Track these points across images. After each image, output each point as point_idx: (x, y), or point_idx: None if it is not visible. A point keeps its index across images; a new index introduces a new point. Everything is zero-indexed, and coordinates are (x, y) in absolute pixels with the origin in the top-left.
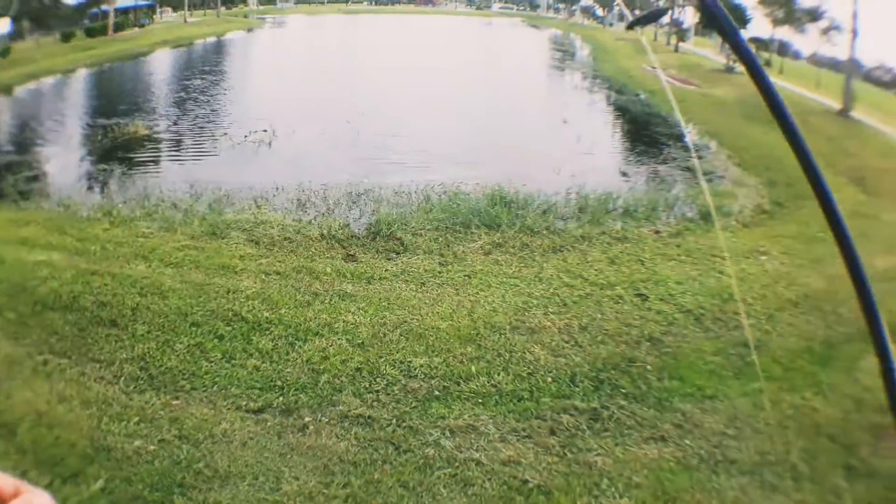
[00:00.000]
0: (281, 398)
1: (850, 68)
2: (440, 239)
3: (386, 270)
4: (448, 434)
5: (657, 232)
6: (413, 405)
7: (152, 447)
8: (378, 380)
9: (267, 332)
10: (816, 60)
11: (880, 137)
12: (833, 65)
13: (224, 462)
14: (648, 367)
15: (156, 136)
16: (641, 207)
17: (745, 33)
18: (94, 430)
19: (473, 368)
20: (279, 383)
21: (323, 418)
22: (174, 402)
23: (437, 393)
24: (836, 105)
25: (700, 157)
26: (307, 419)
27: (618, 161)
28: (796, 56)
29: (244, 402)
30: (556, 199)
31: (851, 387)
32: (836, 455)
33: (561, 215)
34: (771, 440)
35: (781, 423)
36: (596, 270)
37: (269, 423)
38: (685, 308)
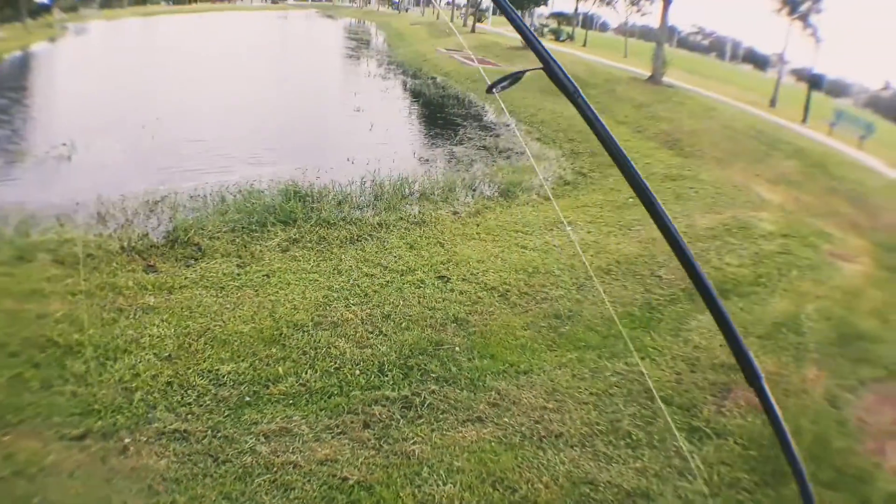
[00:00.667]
0: (100, 422)
1: (660, 35)
2: (237, 240)
3: (186, 278)
4: (263, 439)
5: (455, 213)
6: (226, 414)
7: None
8: (189, 392)
9: (79, 355)
10: (626, 30)
11: (694, 100)
12: (645, 34)
13: (57, 494)
14: (457, 348)
15: None
16: (438, 190)
17: (549, 8)
18: None
19: (280, 370)
20: (97, 406)
21: (141, 437)
22: (4, 438)
23: (247, 399)
24: (647, 72)
25: (497, 136)
26: (126, 440)
27: (413, 146)
28: (604, 27)
29: (67, 430)
30: (350, 188)
31: (681, 348)
32: (674, 418)
33: (357, 205)
34: (597, 410)
35: (606, 391)
36: (395, 257)
37: (92, 449)
38: (489, 286)
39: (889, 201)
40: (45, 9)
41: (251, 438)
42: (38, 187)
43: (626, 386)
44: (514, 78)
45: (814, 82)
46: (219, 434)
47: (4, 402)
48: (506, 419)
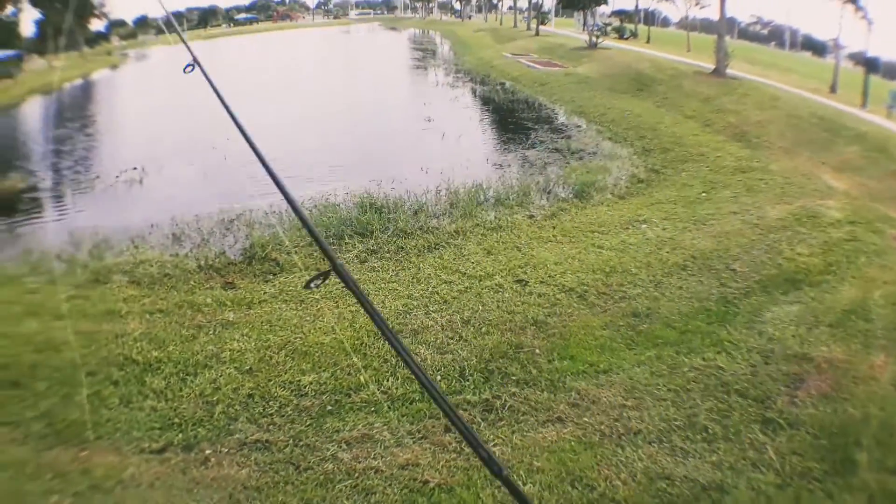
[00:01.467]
0: (180, 435)
1: (721, 28)
2: (315, 254)
3: (265, 293)
4: (345, 446)
5: (531, 216)
6: (308, 423)
7: (68, 500)
8: (270, 403)
9: (158, 372)
10: (687, 24)
11: (758, 90)
12: (706, 27)
13: None
14: (537, 350)
15: (32, 187)
16: (513, 195)
17: (611, 7)
18: (12, 493)
19: (362, 378)
20: (177, 420)
21: (222, 449)
22: (82, 454)
23: (329, 408)
24: (710, 65)
25: (569, 137)
26: (208, 452)
27: (486, 151)
28: (665, 23)
29: (146, 444)
30: (426, 198)
31: (756, 340)
32: (749, 411)
33: (433, 213)
34: (675, 406)
35: (684, 386)
36: (473, 263)
37: (172, 462)
38: (567, 287)
39: None
40: (103, 37)
41: (333, 446)
42: (110, 212)
43: (703, 381)
44: (325, 275)
45: (870, 65)
46: (300, 443)
47: (82, 419)
48: (585, 418)
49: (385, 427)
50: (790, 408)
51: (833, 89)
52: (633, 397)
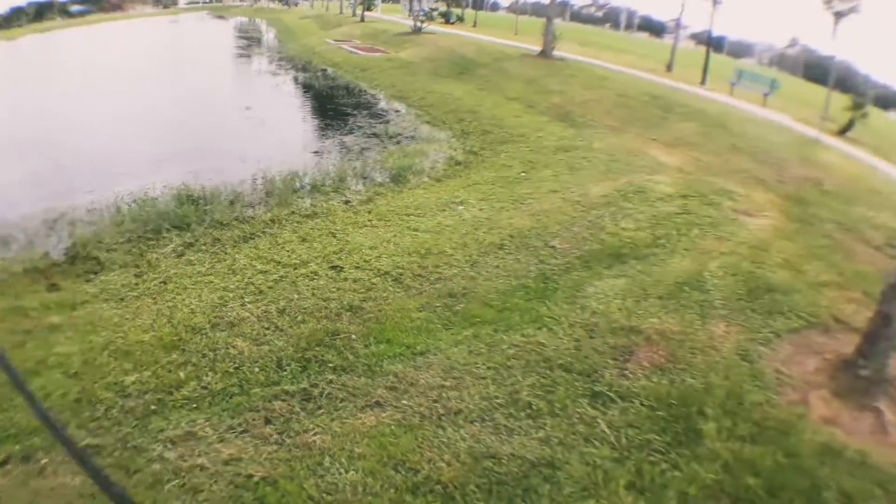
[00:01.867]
0: (18, 446)
1: (550, 10)
2: (134, 250)
3: (87, 293)
4: (170, 445)
5: (347, 202)
6: (134, 424)
7: None
8: (97, 406)
9: None
10: (517, 8)
11: (586, 71)
12: (537, 10)
13: None
14: (353, 336)
15: None
16: (329, 181)
17: None
18: None
19: (182, 375)
20: (14, 431)
21: (57, 457)
22: None
23: (153, 407)
24: (539, 48)
25: (387, 122)
26: (44, 461)
27: (304, 139)
28: (495, 7)
29: None
30: (242, 187)
31: (578, 315)
32: (575, 385)
33: (249, 203)
34: (496, 383)
35: (504, 364)
36: (288, 251)
37: (13, 473)
38: (382, 271)
39: (795, 154)
40: None
41: (159, 446)
42: None
43: (524, 357)
44: None
45: (713, 45)
46: (128, 445)
47: None
48: (404, 401)
49: (207, 423)
50: (620, 380)
51: (669, 68)
52: (451, 377)
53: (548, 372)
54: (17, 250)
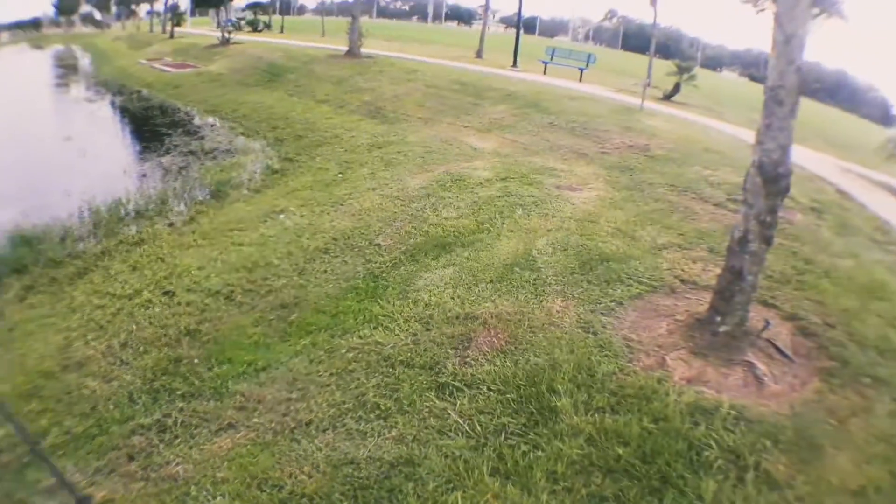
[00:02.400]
0: None
1: (354, 8)
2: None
3: None
4: (48, 495)
5: (171, 224)
6: (8, 479)
7: None
8: None
9: None
10: (324, 10)
11: (395, 66)
12: (343, 9)
13: None
14: (196, 360)
15: None
16: (152, 205)
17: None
18: None
19: (45, 422)
20: None
21: None
22: None
23: (25, 459)
24: (345, 47)
25: (202, 138)
26: None
27: (124, 163)
28: (301, 11)
29: None
30: (71, 221)
31: (412, 309)
32: (419, 380)
33: (79, 237)
34: (341, 389)
35: (345, 368)
36: (121, 282)
37: None
38: (213, 291)
39: (617, 125)
40: None
41: (40, 498)
42: None
43: (364, 359)
44: None
45: (525, 26)
46: (15, 498)
47: None
48: (255, 419)
49: (77, 469)
50: (464, 369)
51: (479, 54)
52: (296, 389)
53: (390, 370)
54: None
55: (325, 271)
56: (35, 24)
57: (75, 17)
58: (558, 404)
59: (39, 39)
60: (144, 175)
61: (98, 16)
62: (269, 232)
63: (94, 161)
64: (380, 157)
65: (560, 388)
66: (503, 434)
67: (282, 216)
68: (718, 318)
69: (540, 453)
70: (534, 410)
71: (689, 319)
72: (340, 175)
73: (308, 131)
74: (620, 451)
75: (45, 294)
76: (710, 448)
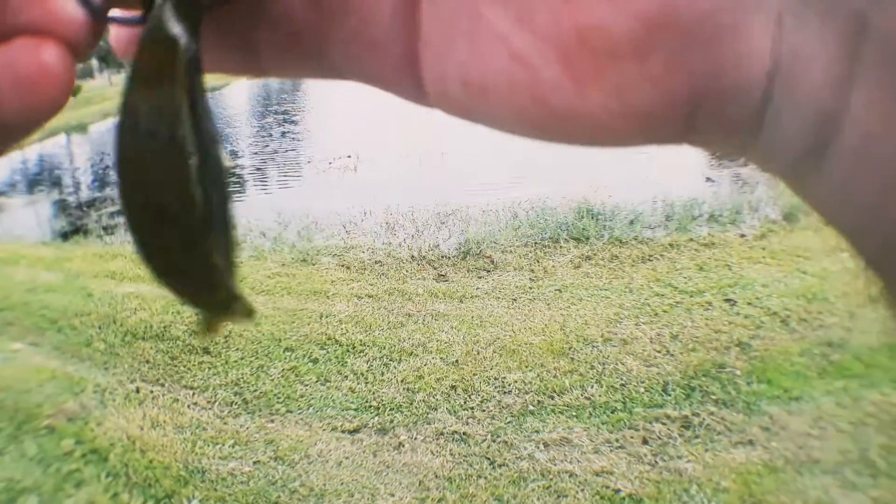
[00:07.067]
0: (376, 418)
1: None
2: (530, 255)
3: (477, 289)
4: (542, 447)
5: (743, 235)
6: (508, 420)
7: (247, 468)
8: (472, 396)
9: (361, 354)
10: None
11: None
12: None
13: (319, 481)
14: (737, 371)
15: (238, 167)
16: (726, 212)
17: None
18: (188, 454)
19: (567, 382)
20: (374, 403)
21: (418, 436)
22: (269, 425)
23: (531, 408)
24: None
25: None
26: (403, 437)
27: (701, 165)
28: None
29: (339, 423)
30: (642, 207)
31: None
32: None
33: (648, 225)
34: (853, 439)
35: (862, 420)
36: (685, 278)
37: (364, 443)
38: (772, 311)
39: None
40: None
41: (531, 445)
42: (321, 195)
43: (879, 416)
44: None
45: None
46: (498, 439)
47: (274, 391)
48: (773, 443)
49: (584, 433)
50: None
51: None
52: (818, 426)
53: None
54: (404, 238)
55: (873, 321)
56: None
57: None
58: None
59: None
60: (710, 179)
61: None
62: (831, 267)
63: (670, 154)
64: None
65: None
66: None
67: (844, 254)
68: None
69: None
70: None
71: None
72: None
73: None
74: None
75: (602, 268)
76: None
